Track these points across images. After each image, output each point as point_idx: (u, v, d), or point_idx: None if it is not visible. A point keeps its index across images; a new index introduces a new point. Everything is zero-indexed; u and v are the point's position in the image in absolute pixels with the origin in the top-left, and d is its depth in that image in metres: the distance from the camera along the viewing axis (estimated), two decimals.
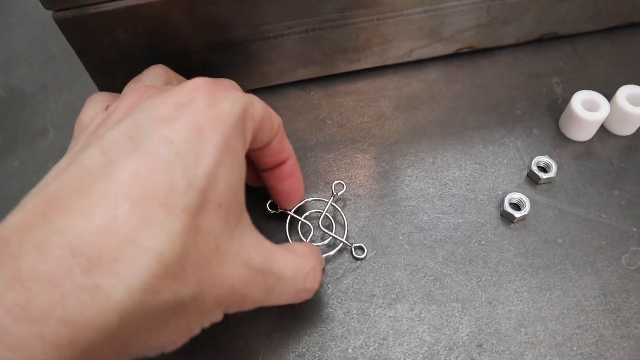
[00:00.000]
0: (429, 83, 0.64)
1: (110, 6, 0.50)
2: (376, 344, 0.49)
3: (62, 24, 0.51)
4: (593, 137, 0.60)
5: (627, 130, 0.59)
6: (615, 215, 0.55)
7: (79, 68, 0.69)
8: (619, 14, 0.65)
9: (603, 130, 0.60)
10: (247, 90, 0.61)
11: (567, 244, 0.53)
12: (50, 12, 0.49)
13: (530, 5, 0.61)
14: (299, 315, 0.50)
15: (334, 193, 0.55)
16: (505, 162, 0.58)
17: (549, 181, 0.56)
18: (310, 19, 0.55)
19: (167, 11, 0.51)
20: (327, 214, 0.54)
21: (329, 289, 0.51)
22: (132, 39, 0.53)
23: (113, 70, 0.56)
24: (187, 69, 0.56)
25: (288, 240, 0.54)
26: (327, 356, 0.48)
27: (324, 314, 0.50)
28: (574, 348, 0.48)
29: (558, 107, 0.62)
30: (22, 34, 0.73)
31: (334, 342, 0.49)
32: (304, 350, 0.49)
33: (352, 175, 0.57)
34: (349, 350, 0.48)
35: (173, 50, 0.55)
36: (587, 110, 0.57)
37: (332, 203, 0.55)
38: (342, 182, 0.56)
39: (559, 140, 0.60)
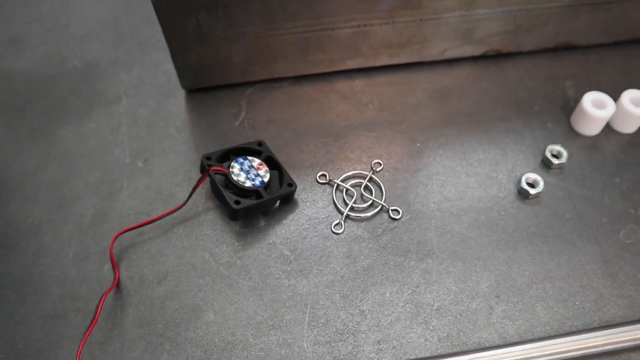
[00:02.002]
0: (459, 79, 0.73)
1: None
2: (410, 291, 0.57)
3: (157, 4, 0.59)
4: (600, 133, 0.69)
5: (630, 128, 0.69)
6: (615, 198, 0.64)
7: (148, 46, 0.78)
8: (628, 30, 0.75)
9: (608, 127, 0.69)
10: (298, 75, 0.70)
11: (574, 219, 0.62)
12: None
13: (550, 16, 0.70)
14: (344, 264, 0.58)
15: (373, 168, 0.64)
16: (523, 149, 0.67)
17: (560, 166, 0.65)
18: (364, 15, 0.65)
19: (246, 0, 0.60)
20: (367, 183, 0.63)
21: (370, 243, 0.60)
22: (212, 21, 0.62)
23: (191, 47, 0.65)
24: (254, 52, 0.65)
25: (334, 204, 0.62)
26: (368, 298, 0.57)
27: (366, 264, 0.59)
28: (577, 303, 0.57)
29: (570, 106, 0.71)
30: (95, 14, 0.82)
31: (374, 287, 0.57)
32: (348, 292, 0.57)
33: (390, 152, 0.66)
34: (387, 295, 0.57)
35: (244, 33, 0.64)
36: (596, 108, 0.66)
37: (372, 175, 0.63)
38: (380, 161, 0.65)
39: (570, 134, 0.69)
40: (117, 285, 0.58)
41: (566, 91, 0.72)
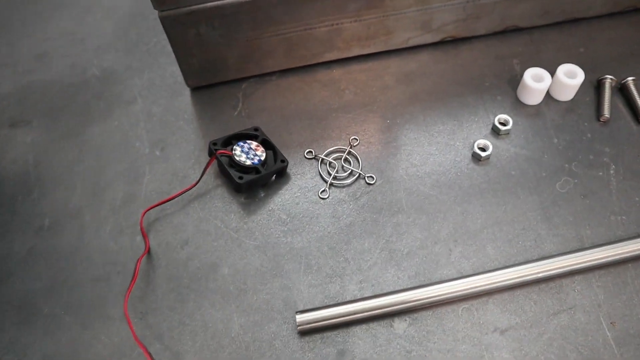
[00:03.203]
0: (422, 63, 0.86)
1: (197, 7, 0.72)
2: (384, 240, 0.71)
3: (164, 20, 0.72)
4: (541, 102, 0.82)
5: (566, 96, 0.82)
6: (553, 156, 0.77)
7: (156, 53, 0.91)
8: (565, 11, 0.87)
9: (549, 97, 0.82)
10: (284, 69, 0.83)
11: (518, 175, 0.75)
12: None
13: (495, 5, 0.83)
14: (330, 222, 0.72)
15: (351, 144, 0.77)
16: (476, 119, 0.80)
17: (507, 132, 0.78)
18: (336, 15, 0.77)
19: (237, 11, 0.73)
20: (347, 156, 0.77)
21: (351, 205, 0.73)
22: (210, 31, 0.75)
23: (193, 52, 0.78)
24: (246, 53, 0.78)
25: (320, 175, 0.76)
26: (350, 248, 0.70)
27: (348, 222, 0.72)
28: (520, 242, 0.70)
29: (516, 80, 0.83)
30: (107, 28, 0.95)
31: (355, 239, 0.71)
32: (334, 244, 0.71)
33: (365, 129, 0.79)
34: (366, 244, 0.71)
35: (237, 38, 0.77)
36: (535, 81, 0.79)
37: (350, 149, 0.77)
38: (356, 137, 0.78)
39: (516, 105, 0.82)
40: (149, 252, 0.72)
41: (513, 68, 0.85)
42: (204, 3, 0.72)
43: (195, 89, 0.85)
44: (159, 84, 0.86)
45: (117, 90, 0.87)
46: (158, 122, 0.82)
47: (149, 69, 0.88)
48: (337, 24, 0.78)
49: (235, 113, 0.82)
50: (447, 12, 0.81)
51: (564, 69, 0.80)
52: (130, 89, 0.87)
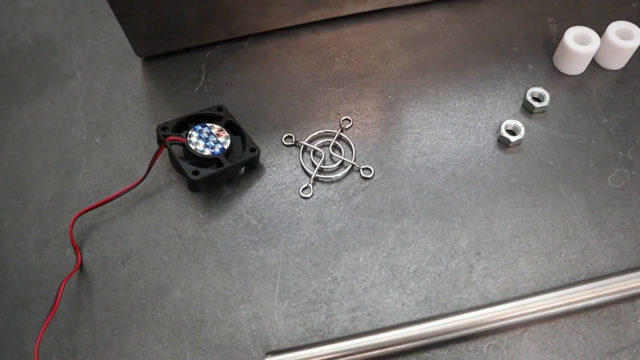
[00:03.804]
0: (432, 24, 0.68)
1: None
2: (385, 253, 0.54)
3: None
4: (585, 72, 0.64)
5: (617, 64, 0.64)
6: (603, 141, 0.59)
7: (101, 16, 0.73)
8: None
9: (594, 65, 0.65)
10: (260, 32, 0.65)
11: (559, 166, 0.58)
12: None
13: None
14: (315, 230, 0.55)
15: (342, 126, 0.60)
16: (502, 94, 0.63)
17: (543, 110, 0.61)
18: None
19: None
20: (336, 142, 0.59)
21: (341, 206, 0.57)
22: None
23: (138, 10, 0.61)
24: (205, 13, 0.61)
25: (302, 167, 0.59)
26: (340, 264, 0.54)
27: (338, 228, 0.56)
28: (563, 255, 0.54)
29: (553, 44, 0.66)
30: None
31: (346, 252, 0.54)
32: (319, 259, 0.54)
33: (360, 107, 0.62)
34: (360, 259, 0.54)
35: None
36: (579, 44, 0.61)
37: (340, 133, 0.59)
38: (349, 117, 0.61)
39: (553, 75, 0.64)
40: (80, 268, 0.56)
41: (548, 28, 0.67)
42: None
43: (148, 59, 0.68)
44: (104, 54, 0.69)
45: (52, 62, 0.70)
46: (100, 102, 0.65)
47: (93, 36, 0.71)
48: None
49: (197, 89, 0.65)
50: None
51: (615, 28, 0.62)
52: (69, 61, 0.70)
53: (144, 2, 0.60)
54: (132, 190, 0.58)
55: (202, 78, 0.66)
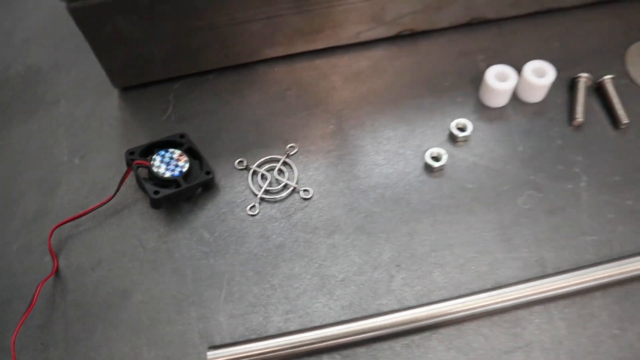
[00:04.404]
0: (375, 60, 0.77)
1: None
2: (317, 264, 0.62)
3: (74, 12, 0.64)
4: (507, 104, 0.73)
5: (534, 98, 0.72)
6: (516, 166, 0.68)
7: (85, 49, 0.81)
8: (536, 1, 0.77)
9: (516, 98, 0.73)
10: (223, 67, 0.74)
11: (476, 189, 0.66)
12: (60, 3, 0.63)
13: None
14: (258, 243, 0.64)
15: (287, 152, 0.68)
16: (431, 124, 0.71)
17: (466, 139, 0.69)
18: (271, 7, 0.68)
19: (156, 2, 0.64)
20: (281, 166, 0.68)
21: (282, 223, 0.65)
22: (128, 24, 0.67)
23: (113, 48, 0.70)
24: (173, 51, 0.70)
25: (251, 188, 0.67)
26: (278, 272, 0.62)
27: (278, 242, 0.64)
28: (473, 267, 0.62)
29: (480, 79, 0.74)
30: (36, 20, 0.87)
31: (284, 263, 0.63)
32: (260, 269, 0.63)
33: (305, 135, 0.71)
34: (296, 269, 0.62)
35: (161, 34, 0.69)
36: (499, 81, 0.70)
37: (285, 159, 0.68)
38: (294, 145, 0.69)
39: (478, 107, 0.72)
40: (56, 273, 0.64)
41: (478, 65, 0.76)
42: None
43: (124, 90, 0.77)
44: (86, 84, 0.78)
45: (40, 90, 0.79)
46: (81, 127, 0.75)
47: (77, 67, 0.80)
48: (274, 17, 0.70)
49: (165, 117, 0.74)
50: (401, 3, 0.72)
51: (532, 67, 0.70)
52: (55, 89, 0.79)
53: (118, 41, 0.68)
54: (103, 206, 0.67)
55: (170, 108, 0.75)
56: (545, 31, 0.79)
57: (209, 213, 0.66)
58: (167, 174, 0.64)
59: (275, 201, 0.66)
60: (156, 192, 0.63)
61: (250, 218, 0.66)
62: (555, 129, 0.71)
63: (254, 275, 0.62)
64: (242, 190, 0.68)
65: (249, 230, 0.65)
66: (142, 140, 0.71)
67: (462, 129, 0.69)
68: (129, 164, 0.66)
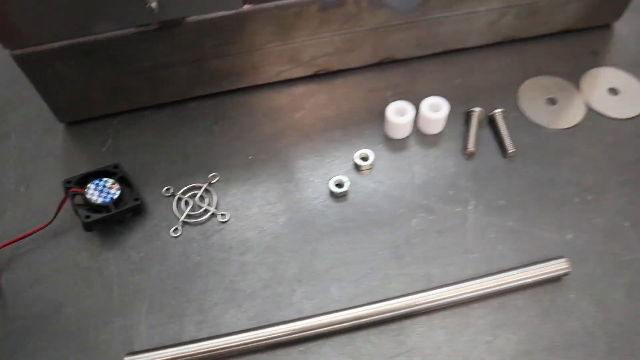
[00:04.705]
0: (294, 97, 0.86)
1: (48, 46, 0.73)
2: (228, 280, 0.70)
3: (17, 59, 0.73)
4: (410, 136, 0.81)
5: (433, 130, 0.81)
6: (412, 192, 0.76)
7: (33, 88, 0.91)
8: (440, 42, 0.87)
9: (417, 130, 0.82)
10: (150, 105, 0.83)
11: (374, 212, 0.75)
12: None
13: (364, 38, 0.82)
14: (179, 261, 0.72)
15: (209, 181, 0.77)
16: (339, 155, 0.80)
17: (369, 167, 0.78)
18: (195, 54, 0.77)
19: (91, 49, 0.73)
20: (202, 193, 0.76)
21: (201, 243, 0.73)
22: (67, 69, 0.76)
23: (55, 89, 0.78)
24: (111, 90, 0.78)
25: (175, 213, 0.76)
26: (194, 288, 0.70)
27: (196, 261, 0.72)
28: (366, 282, 0.70)
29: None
30: None
31: (200, 279, 0.71)
32: (179, 284, 0.71)
33: (226, 165, 0.79)
34: (209, 285, 0.70)
35: (98, 76, 0.77)
36: (398, 115, 0.79)
37: (207, 187, 0.77)
38: (216, 174, 0.78)
39: (383, 139, 0.81)
40: None
41: (386, 101, 0.84)
42: (52, 42, 0.72)
43: (69, 124, 0.86)
44: (34, 119, 0.87)
45: None
46: (28, 158, 0.83)
47: (28, 103, 0.89)
48: (198, 60, 0.79)
49: (104, 149, 0.82)
50: (314, 47, 0.81)
51: (428, 102, 0.79)
52: (6, 124, 0.87)
53: (60, 83, 0.77)
54: (43, 230, 0.75)
55: (109, 141, 0.83)
56: (448, 69, 0.88)
57: (137, 235, 0.75)
58: (99, 200, 0.73)
59: (196, 224, 0.75)
60: (87, 217, 0.71)
61: (173, 239, 0.74)
62: (450, 157, 0.79)
63: (172, 290, 0.70)
64: (168, 214, 0.76)
65: (172, 250, 0.73)
66: (82, 170, 0.79)
67: (365, 159, 0.78)
68: (66, 191, 0.74)
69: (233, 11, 0.73)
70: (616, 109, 0.84)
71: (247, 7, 0.74)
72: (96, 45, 0.73)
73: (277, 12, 0.75)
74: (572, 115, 0.84)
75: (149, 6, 0.69)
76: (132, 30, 0.73)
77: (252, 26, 0.76)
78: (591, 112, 0.84)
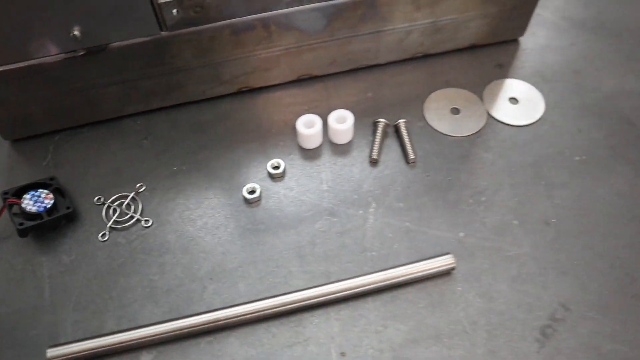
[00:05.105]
0: (219, 113, 0.94)
1: None
2: (149, 279, 0.78)
3: None
4: (322, 145, 0.89)
5: (342, 140, 0.89)
6: (318, 197, 0.84)
7: None
8: (352, 60, 0.95)
9: (329, 140, 0.90)
10: (87, 123, 0.92)
11: (282, 216, 0.83)
12: None
13: (278, 58, 0.90)
14: (105, 263, 0.79)
15: (136, 190, 0.85)
16: (255, 164, 0.88)
17: (281, 175, 0.86)
18: (121, 76, 0.86)
19: (26, 74, 0.81)
20: (129, 202, 0.85)
21: (125, 247, 0.81)
22: (6, 91, 0.84)
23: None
24: (50, 110, 0.87)
25: (104, 219, 0.84)
26: (118, 286, 0.78)
27: (121, 262, 0.80)
28: (270, 279, 0.77)
29: None
30: None
31: (123, 278, 0.78)
32: (104, 283, 0.78)
33: (153, 176, 0.87)
34: (131, 283, 0.78)
35: (36, 97, 0.86)
36: (306, 127, 0.87)
37: (134, 195, 0.85)
38: (143, 184, 0.86)
39: (297, 149, 0.89)
40: None
41: (302, 114, 0.92)
42: None
43: (14, 141, 0.94)
44: None
45: None
46: None
47: None
48: (127, 81, 0.87)
49: (44, 163, 0.91)
50: (232, 67, 0.89)
51: (335, 115, 0.87)
52: None
53: (1, 104, 0.86)
54: None
55: (49, 156, 0.92)
56: (361, 84, 0.96)
57: (69, 240, 0.82)
58: (33, 209, 0.81)
59: (122, 229, 0.83)
60: (21, 224, 0.80)
61: (101, 243, 0.82)
62: (357, 165, 0.87)
63: (98, 288, 0.78)
64: (98, 221, 0.84)
65: (99, 253, 0.81)
66: (25, 182, 0.88)
67: (276, 167, 0.86)
68: (4, 201, 0.82)
69: (152, 37, 0.82)
70: (515, 117, 0.92)
71: (164, 33, 0.82)
72: (31, 69, 0.82)
73: (193, 36, 0.83)
74: (473, 124, 0.91)
75: (73, 34, 0.77)
76: (62, 56, 0.81)
77: (172, 50, 0.84)
78: (491, 120, 0.92)
